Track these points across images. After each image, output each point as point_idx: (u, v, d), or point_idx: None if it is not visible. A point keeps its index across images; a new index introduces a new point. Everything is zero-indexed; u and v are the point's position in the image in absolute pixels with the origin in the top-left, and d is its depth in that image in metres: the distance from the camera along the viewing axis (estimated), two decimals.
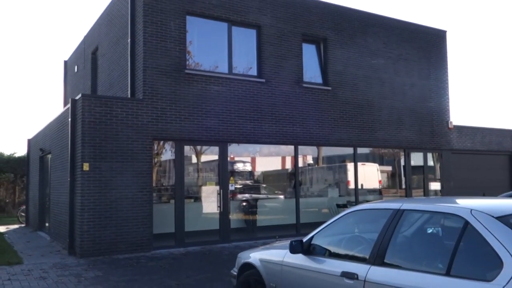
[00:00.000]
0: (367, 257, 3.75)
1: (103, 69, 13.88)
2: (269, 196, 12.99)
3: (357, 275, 3.68)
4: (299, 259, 4.38)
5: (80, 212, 9.68)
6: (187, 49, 11.23)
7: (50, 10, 55.88)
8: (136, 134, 10.32)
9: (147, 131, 10.45)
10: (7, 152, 25.89)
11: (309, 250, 4.37)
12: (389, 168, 15.34)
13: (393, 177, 15.39)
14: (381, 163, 15.11)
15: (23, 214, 17.80)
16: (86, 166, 9.61)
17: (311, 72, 13.37)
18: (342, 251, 4.25)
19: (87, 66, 15.68)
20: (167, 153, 11.23)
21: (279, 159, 13.36)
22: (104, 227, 9.80)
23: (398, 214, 3.72)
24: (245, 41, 12.29)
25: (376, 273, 3.55)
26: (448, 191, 15.61)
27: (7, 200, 22.44)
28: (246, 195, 12.43)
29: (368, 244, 3.88)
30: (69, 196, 10.01)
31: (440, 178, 15.73)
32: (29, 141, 17.29)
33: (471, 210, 3.24)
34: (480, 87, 51.23)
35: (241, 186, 12.34)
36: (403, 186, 15.07)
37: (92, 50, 15.06)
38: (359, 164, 14.02)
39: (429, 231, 3.82)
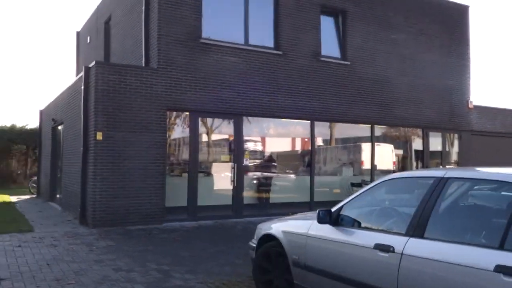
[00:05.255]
0: (405, 229, 3.45)
1: (116, 39, 13.55)
2: (282, 174, 12.72)
3: (393, 247, 3.40)
4: (326, 231, 4.10)
5: (92, 182, 9.49)
6: (202, 17, 10.84)
7: None
8: (150, 104, 10.03)
9: (161, 101, 10.17)
10: (19, 124, 25.93)
11: (337, 221, 4.08)
12: (402, 151, 14.88)
13: (407, 159, 14.94)
14: (396, 146, 14.65)
15: (34, 185, 17.76)
16: (99, 135, 9.38)
17: (329, 45, 12.91)
18: (374, 223, 3.96)
19: (99, 36, 15.35)
20: (182, 125, 10.96)
21: (293, 138, 13.09)
22: (116, 198, 9.61)
23: (441, 183, 3.40)
24: (262, 11, 11.87)
25: (416, 245, 3.25)
26: None
27: (19, 172, 22.44)
28: (260, 172, 12.15)
29: (404, 215, 3.59)
30: (82, 165, 9.81)
31: (458, 161, 15.32)
32: (41, 112, 17.10)
33: None
34: (503, 66, 50.10)
35: (254, 163, 12.05)
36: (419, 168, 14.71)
37: (105, 19, 14.70)
38: (374, 144, 13.63)
39: (477, 200, 3.50)
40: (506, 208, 2.96)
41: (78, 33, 19.03)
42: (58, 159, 13.91)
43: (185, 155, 10.87)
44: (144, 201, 9.87)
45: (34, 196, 17.07)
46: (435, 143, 15.09)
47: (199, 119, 10.79)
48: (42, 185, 16.52)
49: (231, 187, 11.12)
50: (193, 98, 10.51)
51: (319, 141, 13.32)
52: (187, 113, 10.66)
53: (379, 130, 13.95)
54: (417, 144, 14.78)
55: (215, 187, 11.27)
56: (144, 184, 9.88)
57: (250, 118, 11.58)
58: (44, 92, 47.58)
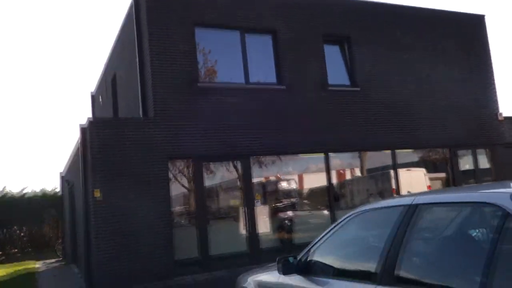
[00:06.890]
0: (377, 273, 2.77)
1: (121, 95, 13.53)
2: (304, 212, 11.95)
3: None
4: (296, 281, 3.42)
5: (95, 242, 9.09)
6: (198, 61, 10.59)
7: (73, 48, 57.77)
8: (149, 154, 9.68)
9: (161, 150, 9.80)
10: (50, 188, 26.35)
11: (307, 268, 3.40)
12: (438, 174, 13.88)
13: (443, 182, 13.86)
14: (432, 169, 13.64)
15: (60, 247, 17.63)
16: (97, 193, 9.03)
17: (337, 74, 12.37)
18: (348, 267, 3.25)
19: (108, 95, 15.41)
20: (185, 173, 10.53)
21: (318, 174, 12.34)
22: (121, 257, 9.12)
23: (409, 212, 2.71)
24: (261, 48, 11.54)
25: None
26: None
27: (51, 235, 22.49)
28: (279, 213, 11.43)
29: (377, 256, 2.89)
30: (84, 226, 9.47)
31: (494, 177, 14.10)
32: (61, 174, 17.20)
33: None
34: None
35: (271, 204, 11.36)
36: None
37: (111, 78, 14.76)
38: (404, 170, 12.75)
39: (454, 231, 2.75)
40: (486, 239, 2.25)
41: (92, 94, 19.26)
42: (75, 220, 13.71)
43: (192, 204, 10.36)
44: (151, 258, 9.32)
45: (60, 259, 16.87)
46: (467, 162, 14.02)
47: (204, 164, 10.34)
48: (67, 248, 16.32)
49: (245, 232, 10.47)
50: (194, 144, 10.11)
51: (345, 174, 12.58)
52: (190, 160, 10.24)
53: (407, 155, 13.07)
54: (451, 163, 13.76)
55: (228, 234, 10.63)
56: (150, 240, 9.36)
57: (263, 158, 11.05)
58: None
